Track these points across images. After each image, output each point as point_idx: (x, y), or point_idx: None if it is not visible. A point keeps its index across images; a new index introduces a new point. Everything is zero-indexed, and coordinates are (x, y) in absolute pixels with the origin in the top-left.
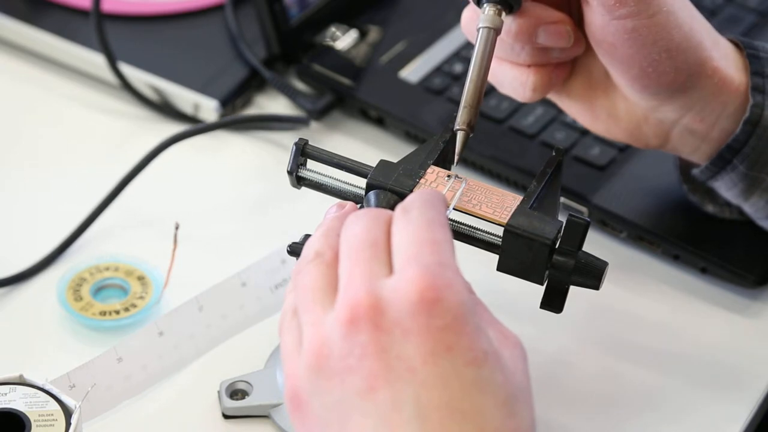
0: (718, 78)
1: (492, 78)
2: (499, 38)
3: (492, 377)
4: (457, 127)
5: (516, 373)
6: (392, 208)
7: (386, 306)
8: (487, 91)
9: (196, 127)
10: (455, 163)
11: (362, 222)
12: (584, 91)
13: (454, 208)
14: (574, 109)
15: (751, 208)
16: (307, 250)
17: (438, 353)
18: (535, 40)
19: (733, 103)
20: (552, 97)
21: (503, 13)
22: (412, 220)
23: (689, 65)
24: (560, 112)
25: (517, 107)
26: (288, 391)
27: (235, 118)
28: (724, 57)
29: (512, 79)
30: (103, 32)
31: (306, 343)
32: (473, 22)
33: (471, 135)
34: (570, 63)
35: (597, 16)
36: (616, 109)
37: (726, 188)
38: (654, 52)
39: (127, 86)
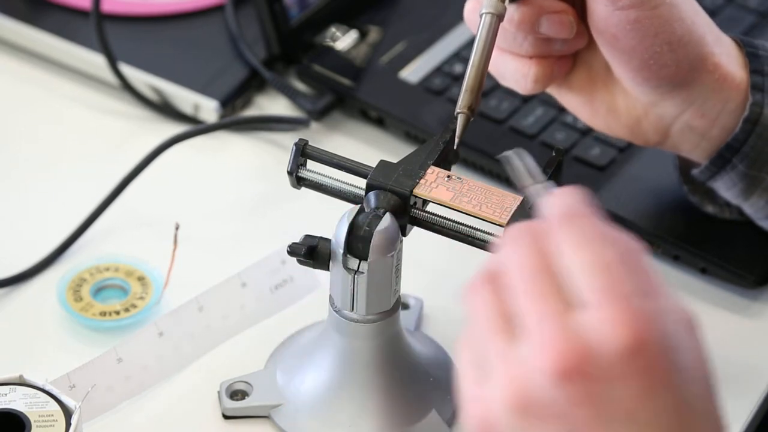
0: (719, 74)
1: (494, 69)
2: (501, 28)
3: (690, 389)
4: (458, 110)
5: (697, 364)
6: (392, 208)
7: (594, 354)
8: (486, 91)
9: (197, 127)
10: (455, 147)
11: (523, 243)
12: (585, 85)
13: (453, 209)
14: (574, 104)
15: (750, 208)
16: (486, 267)
17: (651, 392)
18: (538, 29)
19: (734, 99)
20: (552, 91)
21: (507, 0)
22: (582, 233)
23: (691, 59)
24: (560, 112)
25: (517, 107)
26: (478, 419)
27: (236, 119)
28: (725, 53)
29: (514, 70)
30: (103, 33)
31: (501, 379)
32: (476, 12)
33: (472, 119)
34: (571, 56)
35: (600, 7)
36: (616, 104)
37: (726, 188)
38: (656, 44)
39: (127, 87)
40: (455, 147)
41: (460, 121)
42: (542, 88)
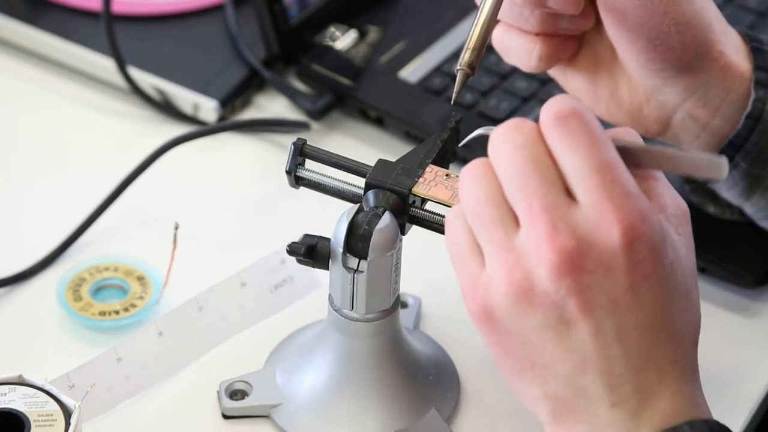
0: (724, 62)
1: (499, 45)
2: (509, 2)
3: (675, 284)
4: (458, 67)
5: (687, 255)
6: (392, 207)
7: (588, 249)
8: (486, 91)
9: (199, 129)
10: (452, 102)
11: (512, 139)
12: (588, 69)
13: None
14: (577, 88)
15: (752, 208)
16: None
17: (637, 283)
18: (545, 3)
19: (737, 90)
20: (556, 74)
21: None
22: (575, 134)
23: (697, 44)
24: None
25: (517, 107)
26: (477, 306)
27: (237, 122)
28: (731, 44)
29: (519, 46)
30: (114, 37)
31: (498, 269)
32: None
33: (471, 76)
34: (577, 39)
35: None
36: (619, 89)
37: (727, 188)
38: (663, 23)
39: (135, 89)
40: (452, 102)
41: (459, 77)
42: (546, 67)
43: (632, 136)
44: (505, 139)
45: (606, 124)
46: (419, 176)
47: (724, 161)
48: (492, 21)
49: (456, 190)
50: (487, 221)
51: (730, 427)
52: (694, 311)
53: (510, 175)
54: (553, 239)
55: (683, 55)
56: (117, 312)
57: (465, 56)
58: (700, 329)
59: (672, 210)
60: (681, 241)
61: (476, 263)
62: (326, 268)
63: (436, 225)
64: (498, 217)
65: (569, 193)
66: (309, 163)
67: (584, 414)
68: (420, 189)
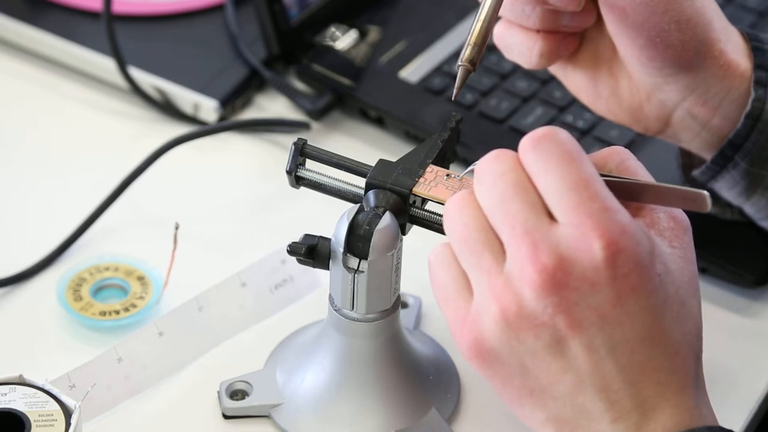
0: (724, 60)
1: (500, 42)
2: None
3: (666, 295)
4: (459, 63)
5: (682, 266)
6: (392, 207)
7: (571, 266)
8: (486, 91)
9: (199, 129)
10: (453, 99)
11: (493, 168)
12: (589, 67)
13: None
14: (578, 86)
15: (752, 207)
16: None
17: (624, 296)
18: (547, 0)
19: (737, 88)
20: (556, 71)
21: None
22: (549, 155)
23: (697, 41)
24: (560, 111)
25: (517, 107)
26: (468, 340)
27: (238, 122)
28: (731, 42)
29: (520, 43)
30: (114, 38)
31: (487, 295)
32: None
33: (473, 72)
34: (578, 36)
35: None
36: (620, 87)
37: (727, 188)
38: (664, 21)
39: (135, 89)
40: (453, 99)
41: (460, 73)
42: (547, 63)
43: (621, 155)
44: (487, 169)
45: (607, 124)
46: (420, 176)
47: (706, 194)
48: (493, 17)
49: (456, 190)
50: (475, 246)
51: (731, 428)
52: (691, 322)
53: (492, 202)
54: (535, 259)
55: (683, 53)
56: (117, 312)
57: (466, 52)
58: (701, 340)
59: (665, 223)
60: (675, 253)
61: (463, 298)
62: (326, 268)
63: (436, 225)
64: (485, 241)
65: (551, 215)
66: (309, 163)
67: (588, 431)
68: (420, 189)
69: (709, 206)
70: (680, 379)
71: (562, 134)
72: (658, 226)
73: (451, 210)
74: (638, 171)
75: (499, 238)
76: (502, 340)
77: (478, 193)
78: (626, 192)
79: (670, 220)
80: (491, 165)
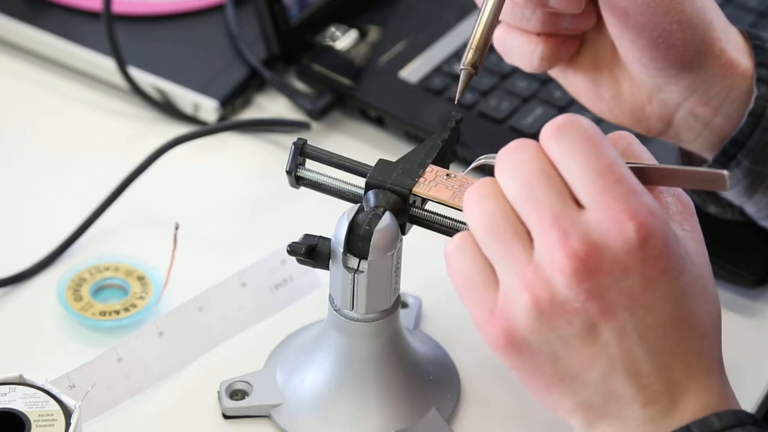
0: (725, 60)
1: (501, 46)
2: (510, 3)
3: (691, 277)
4: (461, 66)
5: (697, 248)
6: (392, 207)
7: (603, 251)
8: (486, 91)
9: (199, 129)
10: (456, 102)
11: (515, 156)
12: (590, 69)
13: (452, 207)
14: (579, 88)
15: (753, 207)
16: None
17: (655, 279)
18: (547, 2)
19: (739, 87)
20: (557, 74)
21: None
22: (572, 142)
23: (698, 41)
24: (560, 111)
25: (517, 107)
26: (497, 331)
27: (238, 122)
28: (732, 41)
29: (521, 46)
30: (114, 38)
31: (517, 284)
32: None
33: (474, 75)
34: (578, 38)
35: None
36: (621, 89)
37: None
38: (665, 21)
39: (135, 89)
40: (456, 102)
41: (462, 77)
42: (548, 66)
43: (627, 140)
44: (509, 158)
45: (607, 125)
46: (419, 176)
47: (726, 173)
48: (494, 20)
49: (456, 190)
50: (504, 234)
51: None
52: (713, 303)
53: (518, 189)
54: (565, 245)
55: (685, 53)
56: (117, 312)
57: (468, 56)
58: (721, 321)
59: (674, 207)
60: (688, 235)
61: (488, 289)
62: (326, 268)
63: (436, 225)
64: (513, 229)
65: (577, 201)
66: (309, 163)
67: (617, 417)
68: (420, 189)
69: (728, 185)
70: (707, 361)
71: (583, 120)
72: (668, 209)
73: (475, 199)
74: (643, 156)
75: (525, 226)
76: (534, 329)
77: (501, 182)
78: (645, 176)
79: (678, 204)
80: (514, 154)
